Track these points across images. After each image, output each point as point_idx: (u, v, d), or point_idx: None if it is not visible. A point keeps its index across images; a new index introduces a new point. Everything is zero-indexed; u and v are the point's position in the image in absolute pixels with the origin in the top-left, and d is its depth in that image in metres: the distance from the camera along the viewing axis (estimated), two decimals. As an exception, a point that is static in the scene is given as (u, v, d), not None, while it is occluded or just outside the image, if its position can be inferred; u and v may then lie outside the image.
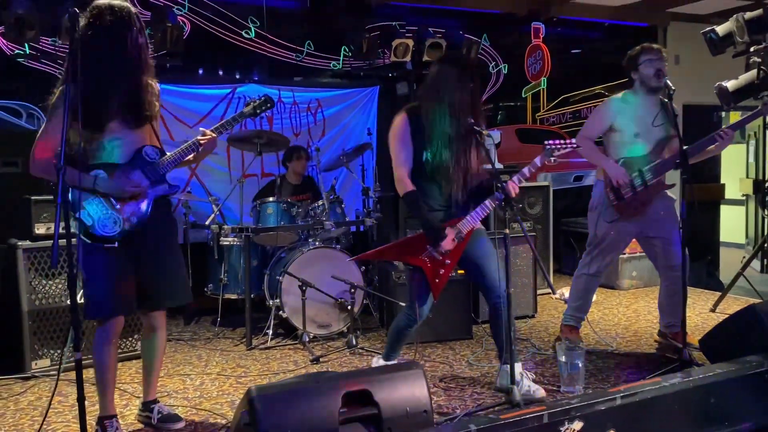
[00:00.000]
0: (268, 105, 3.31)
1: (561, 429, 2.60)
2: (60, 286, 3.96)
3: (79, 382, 2.28)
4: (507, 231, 3.04)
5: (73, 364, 3.23)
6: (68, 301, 3.93)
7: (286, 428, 2.22)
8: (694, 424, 2.95)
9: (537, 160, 3.24)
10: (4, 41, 4.89)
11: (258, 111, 3.29)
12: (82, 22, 2.60)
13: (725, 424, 3.05)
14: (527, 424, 2.54)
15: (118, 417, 3.00)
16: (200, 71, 5.78)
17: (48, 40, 5.00)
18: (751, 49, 4.76)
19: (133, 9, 2.73)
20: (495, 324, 3.34)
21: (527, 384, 3.27)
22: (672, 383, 2.90)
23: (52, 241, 3.87)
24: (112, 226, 2.71)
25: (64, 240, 2.43)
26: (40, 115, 5.07)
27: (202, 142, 2.94)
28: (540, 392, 3.26)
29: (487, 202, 3.22)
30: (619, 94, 4.06)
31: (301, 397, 2.31)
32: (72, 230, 2.67)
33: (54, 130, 2.61)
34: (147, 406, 3.11)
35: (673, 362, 3.63)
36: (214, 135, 2.99)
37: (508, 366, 3.09)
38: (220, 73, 5.88)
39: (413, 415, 2.45)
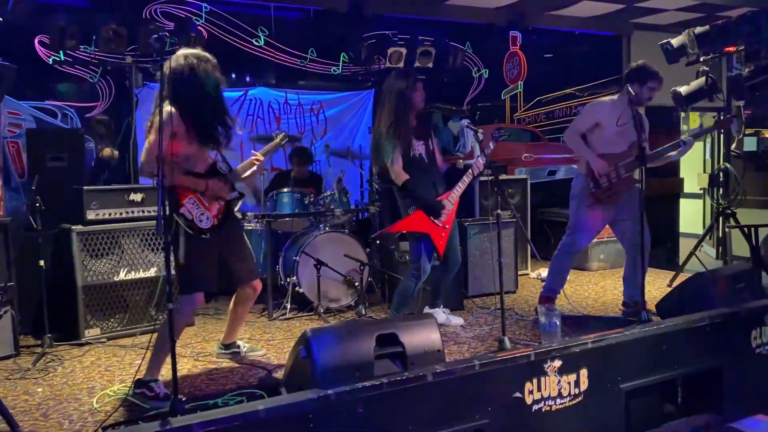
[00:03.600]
0: (287, 139, 4.16)
1: (544, 366, 3.28)
2: (108, 264, 4.52)
3: (171, 329, 2.86)
4: (499, 212, 3.75)
5: (119, 333, 4.36)
6: (115, 278, 4.56)
7: (334, 360, 2.86)
8: (649, 366, 3.66)
9: (491, 144, 4.18)
10: (42, 48, 5.41)
11: (282, 143, 4.07)
12: (180, 62, 3.31)
13: (674, 366, 3.76)
14: (518, 360, 3.21)
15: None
16: (215, 75, 6.33)
17: (80, 48, 5.52)
18: (701, 59, 5.53)
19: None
20: (441, 280, 4.57)
21: (450, 317, 4.64)
22: (632, 332, 3.60)
23: (103, 225, 4.51)
24: (206, 221, 3.41)
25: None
26: (73, 115, 5.60)
27: (255, 163, 3.74)
28: (459, 320, 4.66)
29: (464, 177, 4.32)
30: (607, 98, 4.66)
31: (345, 337, 2.96)
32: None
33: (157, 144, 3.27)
34: (228, 347, 4.00)
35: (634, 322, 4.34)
36: (261, 158, 3.79)
37: (438, 308, 4.56)
38: (233, 77, 6.46)
39: (429, 353, 3.11)
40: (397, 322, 3.16)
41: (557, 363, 3.34)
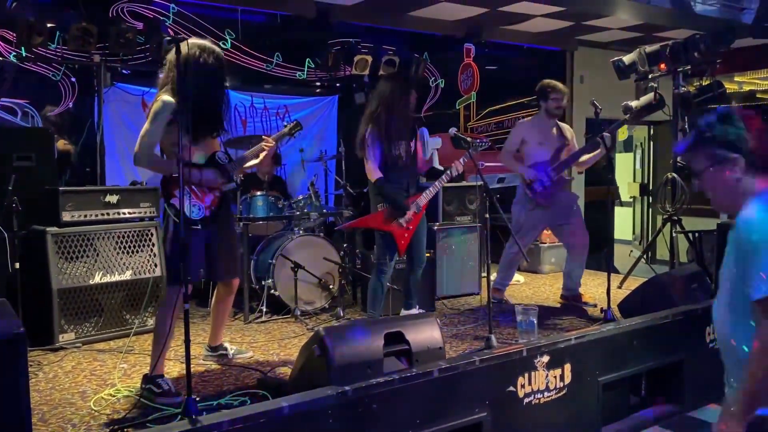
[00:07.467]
0: (299, 128, 4.23)
1: (535, 360, 3.49)
2: (82, 267, 4.41)
3: (186, 326, 2.89)
4: (487, 216, 3.94)
5: (94, 337, 4.27)
6: (90, 282, 4.46)
7: (348, 358, 2.95)
8: (622, 360, 3.94)
9: (470, 152, 4.26)
10: (1, 44, 5.21)
11: (293, 132, 4.14)
12: (185, 51, 3.20)
13: (643, 360, 4.06)
14: (513, 356, 3.40)
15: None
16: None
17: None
18: (650, 76, 5.95)
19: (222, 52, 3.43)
20: (409, 280, 4.67)
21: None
22: (608, 329, 3.88)
23: (78, 227, 4.41)
24: (197, 211, 3.39)
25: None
26: (34, 113, 5.40)
27: (265, 147, 3.66)
28: None
29: (436, 183, 4.45)
30: (528, 119, 5.50)
31: (356, 335, 3.05)
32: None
33: (155, 133, 3.28)
34: (215, 349, 3.94)
35: (599, 321, 4.63)
36: (272, 143, 3.72)
37: (413, 309, 4.60)
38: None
39: (432, 350, 3.26)
40: (403, 321, 3.29)
41: (545, 358, 3.56)
